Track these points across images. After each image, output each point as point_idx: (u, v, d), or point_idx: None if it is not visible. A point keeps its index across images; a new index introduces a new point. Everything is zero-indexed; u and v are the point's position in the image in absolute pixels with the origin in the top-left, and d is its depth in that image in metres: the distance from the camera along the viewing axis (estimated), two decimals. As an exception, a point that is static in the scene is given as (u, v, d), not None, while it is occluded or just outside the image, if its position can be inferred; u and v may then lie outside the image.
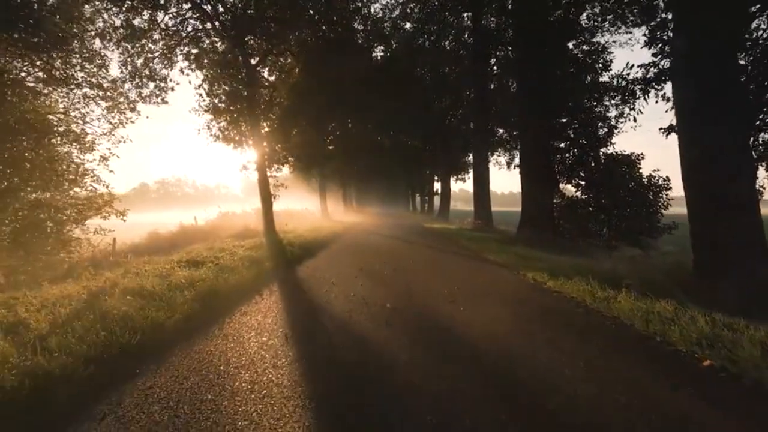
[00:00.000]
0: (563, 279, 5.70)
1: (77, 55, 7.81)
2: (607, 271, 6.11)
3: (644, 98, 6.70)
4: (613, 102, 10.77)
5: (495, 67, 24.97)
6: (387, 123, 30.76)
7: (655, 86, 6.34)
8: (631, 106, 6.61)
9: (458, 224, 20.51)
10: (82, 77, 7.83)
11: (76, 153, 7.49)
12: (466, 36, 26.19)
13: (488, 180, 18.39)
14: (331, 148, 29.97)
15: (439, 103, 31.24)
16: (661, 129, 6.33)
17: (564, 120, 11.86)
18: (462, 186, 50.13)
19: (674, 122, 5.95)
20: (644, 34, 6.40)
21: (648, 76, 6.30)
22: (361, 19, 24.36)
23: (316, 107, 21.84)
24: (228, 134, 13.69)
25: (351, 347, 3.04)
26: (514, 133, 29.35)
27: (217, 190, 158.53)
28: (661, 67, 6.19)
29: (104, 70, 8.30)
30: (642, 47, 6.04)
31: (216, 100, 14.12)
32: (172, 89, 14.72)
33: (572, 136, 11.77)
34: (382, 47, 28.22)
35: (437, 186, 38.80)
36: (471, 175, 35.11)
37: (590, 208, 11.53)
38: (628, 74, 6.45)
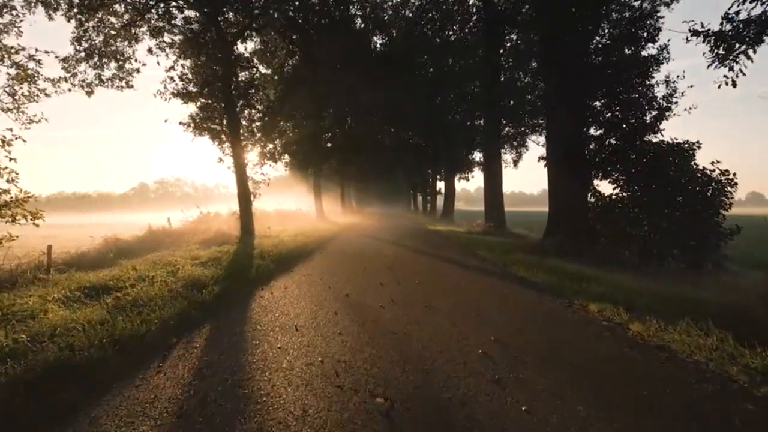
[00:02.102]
0: (654, 319, 3.67)
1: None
2: (714, 303, 4.07)
3: (749, 53, 4.63)
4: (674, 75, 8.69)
5: (504, 58, 22.93)
6: (388, 119, 28.74)
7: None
8: (731, 63, 4.59)
9: (466, 226, 18.44)
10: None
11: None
12: (473, 22, 24.17)
13: (501, 178, 16.36)
14: (329, 145, 27.93)
15: (443, 96, 29.17)
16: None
17: (601, 102, 9.81)
18: (464, 185, 48.05)
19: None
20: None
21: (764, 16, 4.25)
22: (359, 3, 22.42)
23: (311, 96, 19.86)
24: (200, 123, 11.66)
25: None
26: (521, 128, 27.41)
27: (217, 189, 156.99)
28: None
29: (13, 28, 6.32)
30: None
31: (186, 83, 12.09)
32: (138, 71, 12.76)
33: (610, 121, 9.71)
34: (382, 35, 26.19)
35: (440, 185, 36.69)
36: (475, 173, 33.10)
37: (633, 209, 9.48)
38: (737, 12, 4.43)
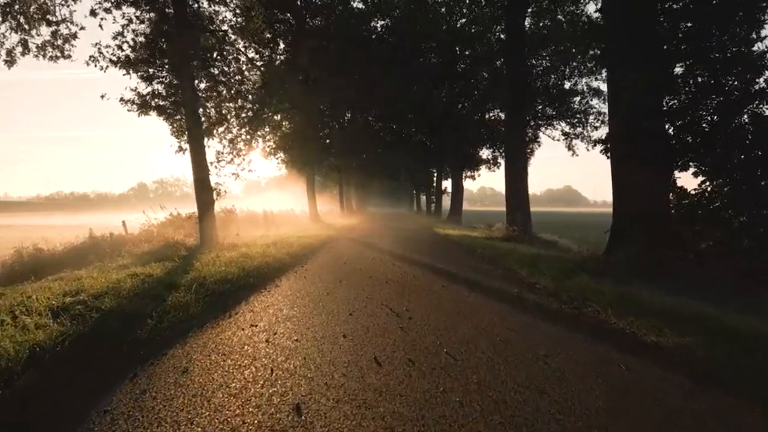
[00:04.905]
0: None
1: None
2: None
3: None
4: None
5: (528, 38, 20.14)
6: (389, 114, 25.98)
7: None
8: None
9: (482, 230, 15.74)
10: None
11: None
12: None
13: (526, 173, 13.66)
14: (327, 141, 25.29)
15: (450, 86, 26.47)
16: None
17: (685, 63, 7.10)
18: (466, 185, 44.82)
19: None
20: None
21: None
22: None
23: (303, 83, 17.24)
24: (148, 99, 9.03)
25: None
26: (538, 122, 24.73)
27: (217, 189, 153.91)
28: None
29: None
30: None
31: (137, 51, 9.46)
32: (75, 36, 10.15)
33: (699, 88, 7.00)
34: (383, 17, 23.42)
35: (446, 184, 33.98)
36: (482, 171, 30.45)
37: (735, 214, 6.76)
38: None
